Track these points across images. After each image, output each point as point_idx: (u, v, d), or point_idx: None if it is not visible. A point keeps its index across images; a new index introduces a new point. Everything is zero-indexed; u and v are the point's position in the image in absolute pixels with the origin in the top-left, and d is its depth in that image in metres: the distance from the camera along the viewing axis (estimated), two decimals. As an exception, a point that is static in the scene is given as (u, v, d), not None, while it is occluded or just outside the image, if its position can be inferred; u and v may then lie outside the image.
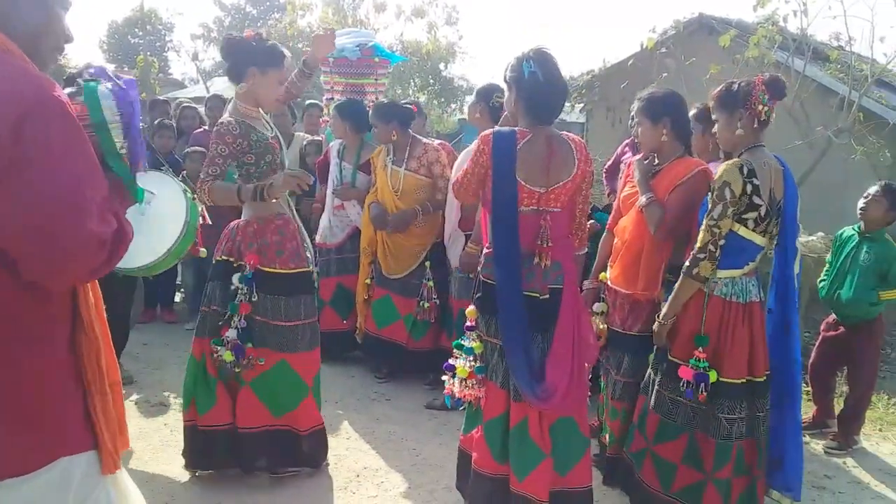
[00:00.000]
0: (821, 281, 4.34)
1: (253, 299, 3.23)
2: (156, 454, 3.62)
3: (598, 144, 9.71)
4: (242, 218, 3.34)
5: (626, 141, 4.73)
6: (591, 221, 3.76)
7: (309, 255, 3.46)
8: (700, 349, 2.90)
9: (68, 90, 1.66)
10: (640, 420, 3.15)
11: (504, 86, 2.94)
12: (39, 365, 1.46)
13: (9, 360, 1.42)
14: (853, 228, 4.24)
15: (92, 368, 1.53)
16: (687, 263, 2.89)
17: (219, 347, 3.21)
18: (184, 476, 3.44)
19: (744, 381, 2.91)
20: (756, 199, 2.81)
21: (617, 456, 3.35)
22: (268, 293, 3.27)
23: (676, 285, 2.95)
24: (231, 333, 3.21)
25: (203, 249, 3.42)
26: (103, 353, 1.57)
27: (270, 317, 3.28)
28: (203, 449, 3.34)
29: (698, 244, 2.86)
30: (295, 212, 3.50)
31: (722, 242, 2.83)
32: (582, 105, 11.71)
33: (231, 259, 3.30)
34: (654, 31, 7.88)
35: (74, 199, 1.37)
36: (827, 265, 4.36)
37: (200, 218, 2.74)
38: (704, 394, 2.86)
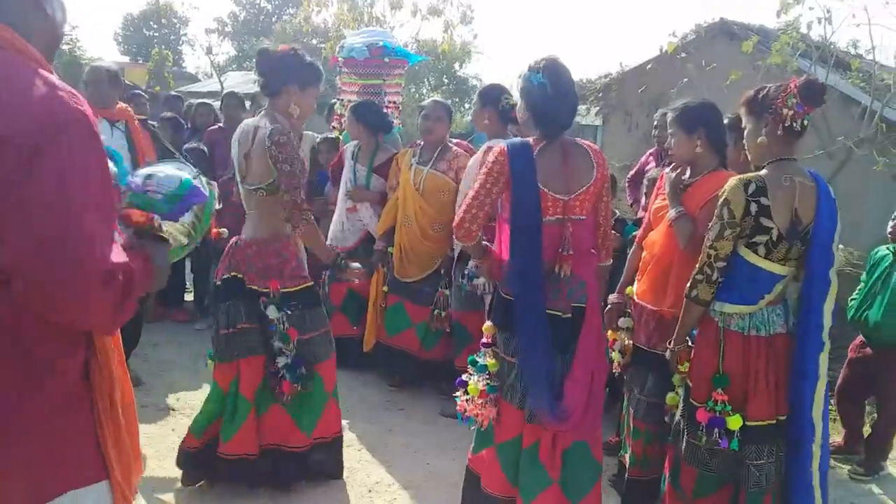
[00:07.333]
0: (851, 300, 4.15)
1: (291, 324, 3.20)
2: (162, 461, 3.54)
3: (613, 149, 9.57)
4: (243, 236, 3.28)
5: (651, 151, 4.63)
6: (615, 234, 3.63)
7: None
8: (719, 390, 2.65)
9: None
10: (672, 474, 2.90)
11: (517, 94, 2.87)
12: (48, 397, 1.37)
13: (16, 392, 1.33)
14: (888, 248, 4.04)
15: (104, 402, 1.45)
16: (688, 285, 2.71)
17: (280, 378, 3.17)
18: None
19: (773, 422, 2.67)
20: (765, 222, 2.56)
21: (637, 478, 3.23)
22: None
23: (682, 310, 2.78)
24: (282, 360, 3.16)
25: (224, 230, 3.35)
26: (118, 384, 1.48)
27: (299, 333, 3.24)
28: (218, 473, 3.26)
29: (697, 266, 2.69)
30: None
31: (721, 265, 2.62)
32: (598, 108, 11.58)
33: (238, 275, 3.22)
34: (675, 36, 7.77)
35: (85, 226, 1.28)
36: (861, 284, 4.14)
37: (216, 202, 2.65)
38: (724, 440, 2.62)
